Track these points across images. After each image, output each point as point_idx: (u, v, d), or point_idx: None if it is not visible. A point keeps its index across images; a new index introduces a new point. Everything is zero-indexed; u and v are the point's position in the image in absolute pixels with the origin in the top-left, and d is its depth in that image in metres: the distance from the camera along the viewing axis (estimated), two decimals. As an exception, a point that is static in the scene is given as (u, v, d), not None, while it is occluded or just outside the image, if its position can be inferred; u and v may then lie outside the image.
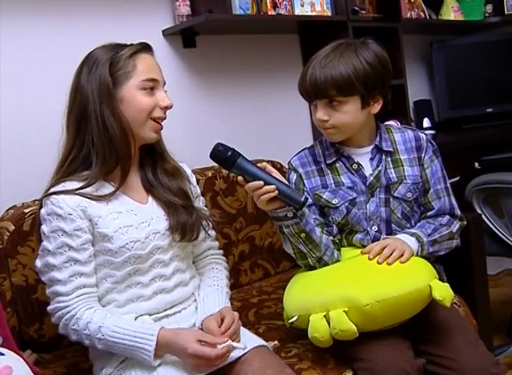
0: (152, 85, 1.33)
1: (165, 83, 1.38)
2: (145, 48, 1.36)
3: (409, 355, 1.37)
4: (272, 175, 1.35)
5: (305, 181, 1.55)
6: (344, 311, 1.31)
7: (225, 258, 1.58)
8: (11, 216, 1.58)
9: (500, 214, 2.21)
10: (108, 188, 1.33)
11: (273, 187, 1.32)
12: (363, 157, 1.53)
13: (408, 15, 2.74)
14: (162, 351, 1.23)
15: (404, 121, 2.47)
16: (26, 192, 1.61)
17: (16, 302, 1.57)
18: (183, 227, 1.38)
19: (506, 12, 3.01)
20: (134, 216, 1.33)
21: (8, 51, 1.77)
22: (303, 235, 1.41)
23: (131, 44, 1.35)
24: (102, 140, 1.28)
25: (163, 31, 2.11)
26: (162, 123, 1.37)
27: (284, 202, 1.36)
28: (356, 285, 1.35)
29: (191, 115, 2.18)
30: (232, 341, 1.27)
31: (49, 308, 1.29)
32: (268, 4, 2.18)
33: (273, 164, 2.11)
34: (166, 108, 1.36)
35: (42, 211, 1.29)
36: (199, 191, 1.54)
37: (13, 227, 1.56)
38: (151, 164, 1.43)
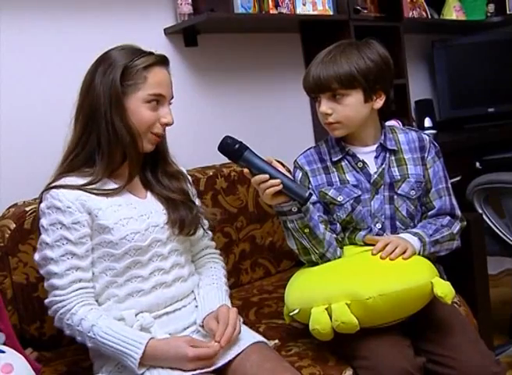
0: (158, 99, 1.33)
1: (172, 97, 1.38)
2: (160, 61, 1.35)
3: (409, 353, 1.37)
4: (277, 169, 1.36)
5: (311, 179, 1.56)
6: (346, 304, 1.31)
7: (222, 258, 1.59)
8: (12, 214, 1.58)
9: (501, 214, 2.21)
10: (111, 185, 1.34)
11: (278, 181, 1.33)
12: (368, 155, 1.55)
13: (410, 14, 2.74)
14: (148, 361, 1.22)
15: (406, 121, 2.46)
16: (27, 190, 1.61)
17: (17, 300, 1.57)
18: (183, 221, 1.39)
19: (508, 11, 3.01)
20: (134, 209, 1.35)
21: (10, 51, 1.77)
22: (306, 230, 1.42)
23: (149, 53, 1.34)
24: (110, 139, 1.30)
25: (165, 30, 2.11)
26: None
27: (289, 197, 1.37)
28: (359, 279, 1.35)
29: (193, 113, 2.18)
30: (230, 341, 1.27)
31: (46, 301, 1.30)
32: (270, 3, 2.18)
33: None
34: (166, 125, 1.37)
35: (42, 205, 1.30)
36: (195, 192, 1.55)
37: (14, 225, 1.56)
38: (152, 164, 1.44)
